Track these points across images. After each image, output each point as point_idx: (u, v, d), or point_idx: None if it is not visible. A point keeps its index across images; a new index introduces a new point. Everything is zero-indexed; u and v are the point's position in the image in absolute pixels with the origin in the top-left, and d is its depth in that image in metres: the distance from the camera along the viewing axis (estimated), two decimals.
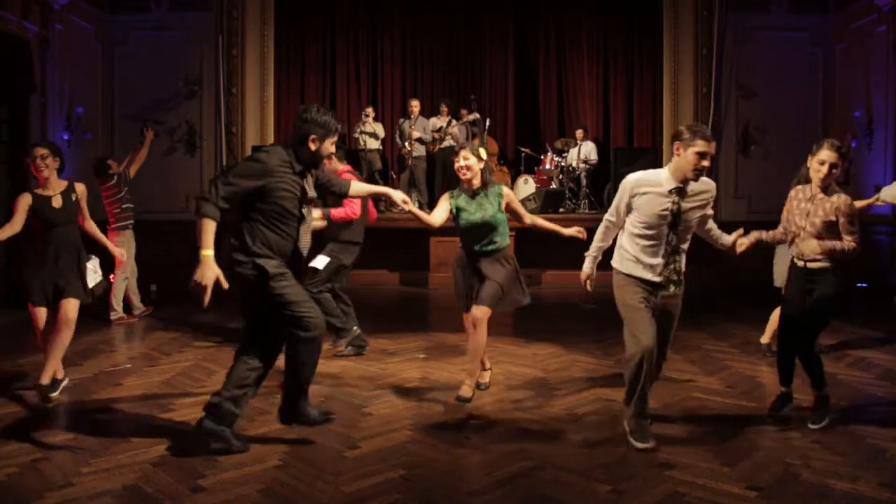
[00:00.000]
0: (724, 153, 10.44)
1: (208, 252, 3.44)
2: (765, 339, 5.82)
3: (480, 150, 4.57)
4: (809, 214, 4.12)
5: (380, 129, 11.08)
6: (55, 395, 4.59)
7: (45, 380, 4.50)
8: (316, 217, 4.72)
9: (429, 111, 11.36)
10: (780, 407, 4.28)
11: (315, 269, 5.35)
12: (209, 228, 3.46)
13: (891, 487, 3.26)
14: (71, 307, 4.54)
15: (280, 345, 3.73)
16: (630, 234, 3.85)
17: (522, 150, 11.32)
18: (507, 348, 6.12)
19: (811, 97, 10.42)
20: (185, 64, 10.30)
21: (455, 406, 4.46)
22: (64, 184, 4.69)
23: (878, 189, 8.04)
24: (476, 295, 4.54)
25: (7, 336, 6.77)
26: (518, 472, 3.46)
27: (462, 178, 4.55)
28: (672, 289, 3.83)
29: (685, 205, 3.70)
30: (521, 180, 11.06)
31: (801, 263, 4.17)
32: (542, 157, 11.04)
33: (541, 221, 4.94)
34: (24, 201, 4.56)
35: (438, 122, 11.09)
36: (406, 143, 10.74)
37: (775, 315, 5.43)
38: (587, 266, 4.34)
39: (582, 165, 11.01)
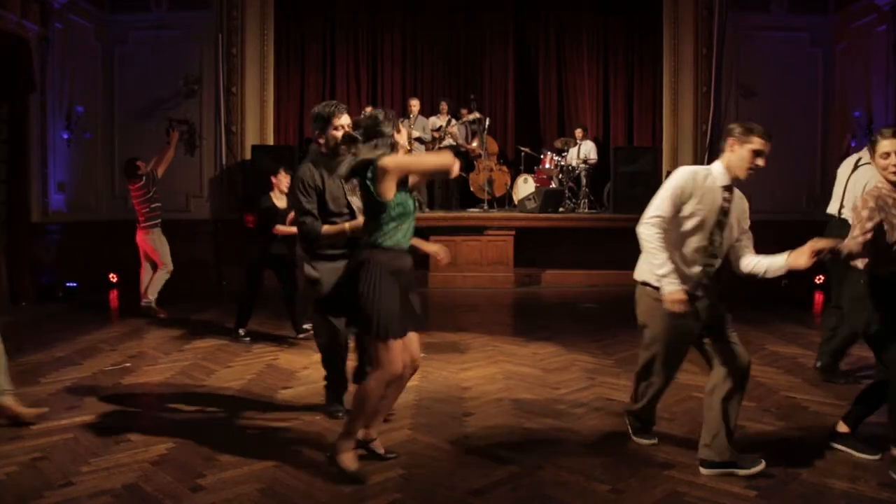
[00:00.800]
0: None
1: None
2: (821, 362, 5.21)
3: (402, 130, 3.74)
4: None
5: None
6: None
7: None
8: None
9: (428, 111, 11.36)
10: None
11: None
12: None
13: (890, 487, 3.26)
14: None
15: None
16: (668, 237, 3.37)
17: (522, 149, 11.32)
18: (506, 347, 6.12)
19: (811, 97, 10.42)
20: (185, 63, 10.29)
21: (455, 406, 4.46)
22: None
23: None
24: (413, 316, 3.44)
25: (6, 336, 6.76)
26: (518, 472, 3.46)
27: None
28: (702, 295, 3.40)
29: (731, 207, 3.42)
30: (520, 180, 11.06)
31: None
32: (541, 157, 11.04)
33: None
34: None
35: (438, 121, 11.09)
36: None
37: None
38: (675, 285, 3.32)
39: (582, 165, 11.01)
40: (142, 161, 7.60)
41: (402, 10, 12.14)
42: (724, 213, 3.41)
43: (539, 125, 12.35)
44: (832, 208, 5.54)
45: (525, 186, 10.86)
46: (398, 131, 3.49)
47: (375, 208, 3.30)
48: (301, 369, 5.40)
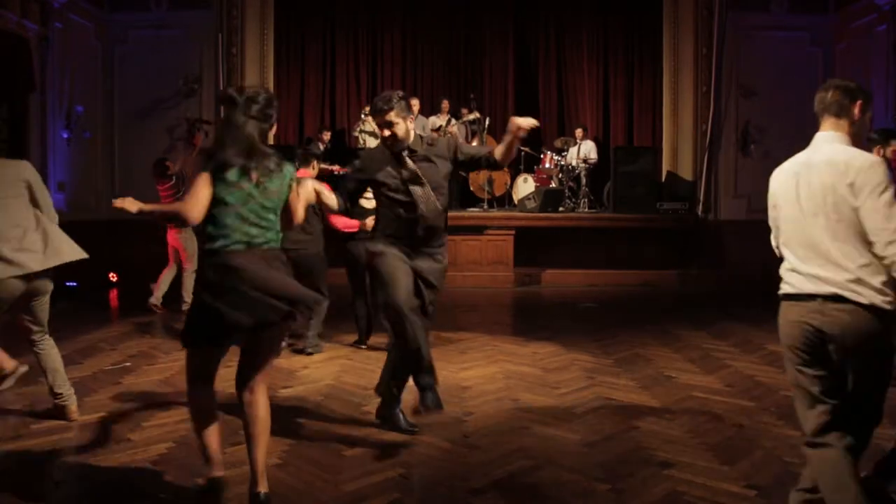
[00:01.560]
0: (724, 152, 10.45)
1: None
2: None
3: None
4: None
5: None
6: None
7: None
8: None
9: (428, 110, 11.36)
10: None
11: None
12: None
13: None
14: None
15: None
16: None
17: (522, 149, 11.29)
18: (506, 347, 6.13)
19: (811, 96, 10.33)
20: (185, 63, 10.29)
21: (455, 405, 4.46)
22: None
23: None
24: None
25: (6, 335, 6.77)
26: (518, 472, 3.46)
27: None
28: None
29: None
30: (520, 179, 11.06)
31: None
32: (541, 156, 11.04)
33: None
34: None
35: (438, 120, 11.09)
36: None
37: None
38: None
39: (582, 164, 11.01)
40: (170, 161, 7.71)
41: (402, 10, 12.14)
42: None
43: (539, 125, 12.33)
44: None
45: (525, 186, 10.86)
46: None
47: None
48: (301, 369, 5.40)
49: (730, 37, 10.35)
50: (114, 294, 9.09)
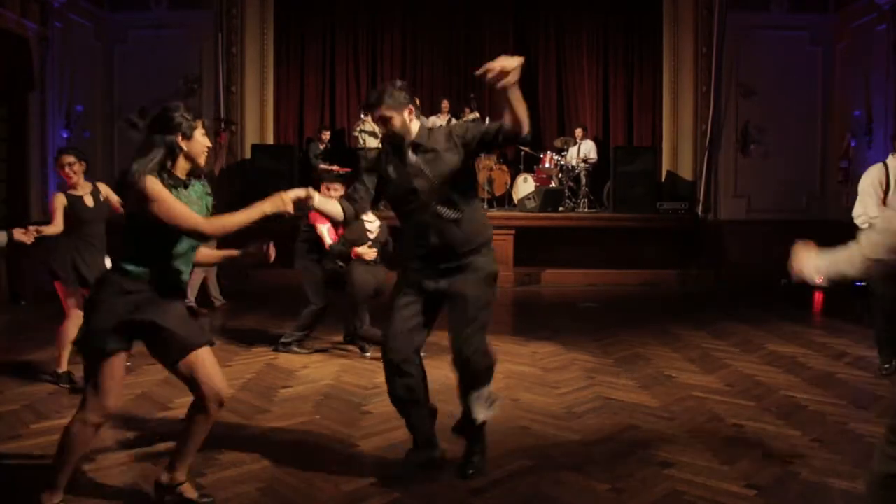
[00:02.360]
0: (724, 152, 10.45)
1: None
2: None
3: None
4: None
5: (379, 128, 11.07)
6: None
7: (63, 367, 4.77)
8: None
9: (428, 110, 11.35)
10: None
11: None
12: None
13: None
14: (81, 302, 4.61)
15: None
16: None
17: (522, 148, 11.31)
18: (506, 347, 6.12)
19: (811, 96, 10.42)
20: (185, 62, 10.29)
21: (454, 405, 4.44)
22: (90, 185, 4.95)
23: None
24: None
25: (6, 335, 6.77)
26: (518, 471, 3.46)
27: None
28: None
29: None
30: (520, 179, 11.06)
31: None
32: (541, 156, 11.04)
33: None
34: (60, 201, 4.80)
35: (438, 120, 11.08)
36: None
37: None
38: None
39: (581, 164, 11.01)
40: None
41: (402, 10, 12.14)
42: None
43: (539, 125, 12.32)
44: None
45: (525, 186, 10.86)
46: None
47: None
48: (301, 368, 5.40)
49: (730, 36, 10.35)
50: None
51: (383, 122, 3.22)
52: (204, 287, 7.81)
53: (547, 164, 10.88)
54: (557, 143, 11.25)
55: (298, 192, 2.96)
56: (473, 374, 3.25)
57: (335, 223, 4.47)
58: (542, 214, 10.13)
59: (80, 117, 9.38)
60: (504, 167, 11.46)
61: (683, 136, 11.02)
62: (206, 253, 3.27)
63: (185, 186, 2.87)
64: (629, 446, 3.79)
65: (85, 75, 9.70)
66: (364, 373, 5.25)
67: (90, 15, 9.88)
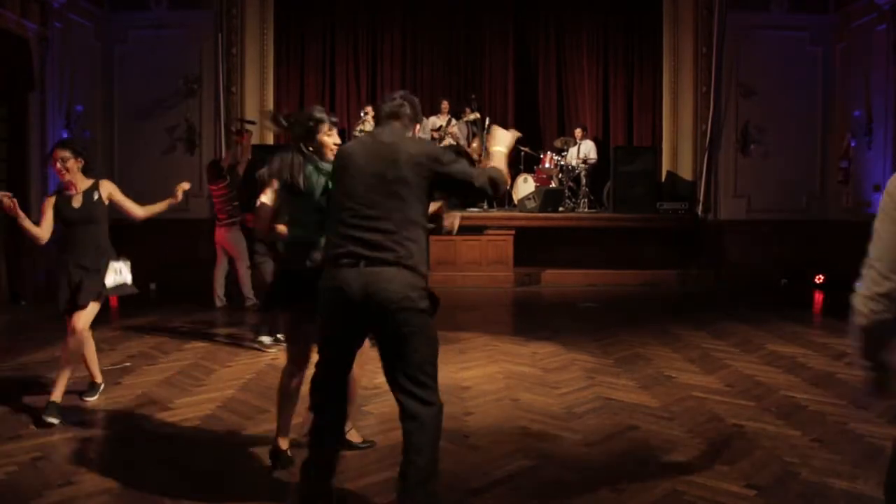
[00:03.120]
0: (724, 152, 10.45)
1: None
2: None
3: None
4: None
5: None
6: (92, 398, 4.60)
7: (56, 397, 4.20)
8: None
9: (428, 111, 11.35)
10: None
11: None
12: None
13: None
14: (77, 319, 4.22)
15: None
16: None
17: (522, 148, 11.30)
18: (506, 347, 6.12)
19: (811, 96, 10.42)
20: (185, 62, 10.28)
21: (454, 405, 4.45)
22: (89, 182, 4.41)
23: (877, 189, 8.03)
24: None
25: (6, 335, 6.77)
26: (518, 472, 3.46)
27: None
28: None
29: None
30: (520, 179, 11.05)
31: None
32: (541, 156, 11.04)
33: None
34: (49, 203, 4.33)
35: (438, 121, 11.09)
36: None
37: None
38: None
39: (581, 164, 11.01)
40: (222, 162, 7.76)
41: (402, 10, 12.14)
42: None
43: (539, 125, 12.35)
44: None
45: (525, 186, 10.86)
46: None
47: None
48: None
49: (730, 36, 10.34)
50: None
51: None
52: (235, 285, 7.70)
53: (547, 165, 10.88)
54: (557, 143, 11.25)
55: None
56: None
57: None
58: (542, 214, 10.13)
59: (80, 117, 9.38)
60: None
61: (683, 136, 11.02)
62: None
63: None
64: (629, 446, 3.80)
65: (85, 75, 9.70)
66: (363, 372, 5.24)
67: (90, 15, 9.87)
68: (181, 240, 9.70)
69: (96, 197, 4.39)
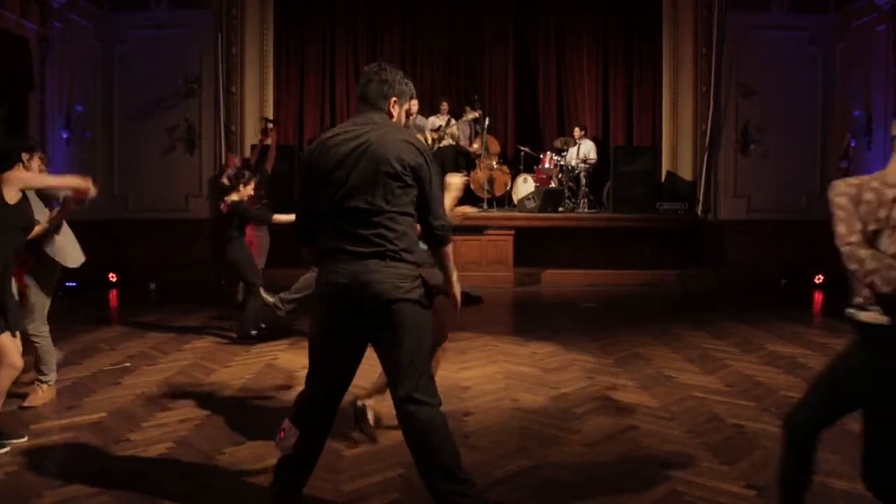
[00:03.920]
0: (724, 152, 10.44)
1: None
2: None
3: None
4: None
5: None
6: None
7: None
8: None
9: (428, 111, 11.35)
10: None
11: None
12: None
13: None
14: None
15: None
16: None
17: (522, 148, 11.32)
18: (506, 347, 6.12)
19: (811, 96, 10.42)
20: (185, 63, 10.27)
21: (454, 405, 4.45)
22: None
23: None
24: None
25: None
26: (517, 472, 3.46)
27: None
28: None
29: None
30: (520, 179, 11.06)
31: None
32: (541, 156, 11.04)
33: None
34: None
35: (438, 120, 11.08)
36: None
37: None
38: None
39: (581, 164, 11.00)
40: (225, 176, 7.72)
41: (402, 10, 12.13)
42: None
43: (539, 125, 12.35)
44: None
45: (525, 186, 10.86)
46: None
47: None
48: (301, 369, 5.37)
49: (729, 36, 10.34)
50: (113, 294, 9.09)
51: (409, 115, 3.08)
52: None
53: (547, 165, 10.88)
54: (557, 143, 11.25)
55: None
56: None
57: None
58: (541, 215, 10.13)
59: (80, 117, 9.37)
60: (504, 167, 11.46)
61: (683, 136, 11.02)
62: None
63: None
64: (629, 446, 3.79)
65: (85, 75, 9.69)
66: (364, 373, 5.24)
67: (90, 15, 9.87)
68: (181, 240, 9.70)
69: None
